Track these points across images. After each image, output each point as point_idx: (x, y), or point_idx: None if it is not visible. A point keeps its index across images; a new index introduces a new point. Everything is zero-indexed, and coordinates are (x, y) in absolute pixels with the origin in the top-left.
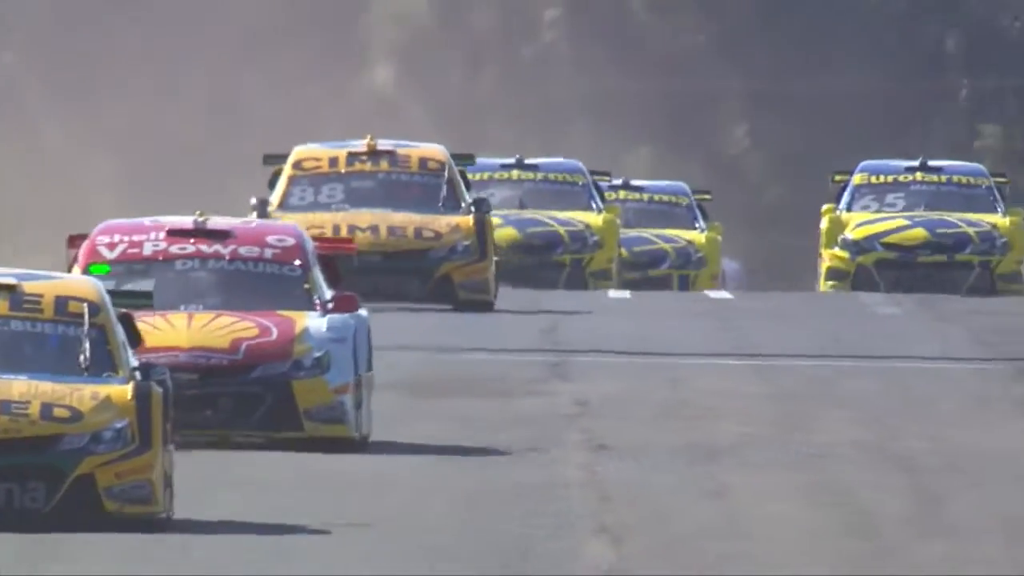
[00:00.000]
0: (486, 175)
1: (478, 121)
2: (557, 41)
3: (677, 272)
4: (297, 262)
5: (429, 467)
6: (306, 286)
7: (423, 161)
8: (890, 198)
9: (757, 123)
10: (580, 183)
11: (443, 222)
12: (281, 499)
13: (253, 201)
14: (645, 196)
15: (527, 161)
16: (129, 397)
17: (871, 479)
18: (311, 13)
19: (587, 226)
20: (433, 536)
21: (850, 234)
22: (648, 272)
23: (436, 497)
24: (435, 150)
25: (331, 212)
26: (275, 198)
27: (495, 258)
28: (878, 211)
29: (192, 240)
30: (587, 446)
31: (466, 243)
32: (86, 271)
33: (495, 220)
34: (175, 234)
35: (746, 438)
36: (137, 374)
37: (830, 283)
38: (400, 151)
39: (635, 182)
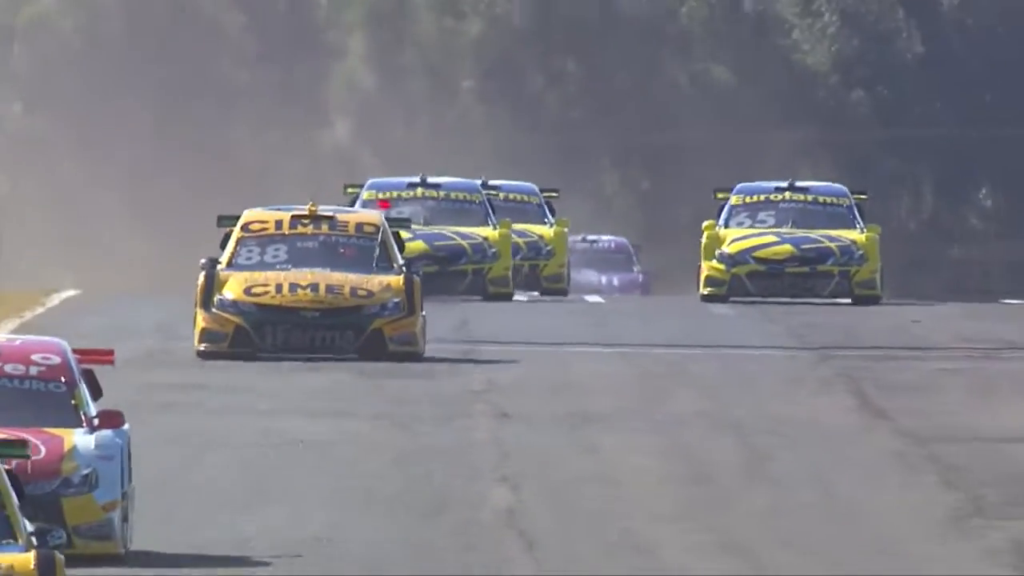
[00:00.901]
0: (394, 193)
1: (415, 167)
2: (472, 104)
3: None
4: (63, 379)
5: (369, 432)
6: (73, 402)
7: (359, 225)
8: (762, 215)
9: (627, 171)
10: (477, 201)
11: (376, 281)
12: None
13: (202, 261)
14: (500, 195)
15: (430, 180)
16: None
17: (710, 441)
18: (283, 81)
19: (485, 239)
20: (374, 483)
21: (726, 248)
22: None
23: (375, 454)
24: (371, 215)
25: (275, 271)
26: (224, 258)
27: (422, 312)
28: (751, 227)
29: None
30: (492, 415)
31: (396, 300)
32: None
33: (404, 234)
34: None
35: (615, 409)
36: None
37: (708, 290)
38: (339, 216)
39: (492, 181)
